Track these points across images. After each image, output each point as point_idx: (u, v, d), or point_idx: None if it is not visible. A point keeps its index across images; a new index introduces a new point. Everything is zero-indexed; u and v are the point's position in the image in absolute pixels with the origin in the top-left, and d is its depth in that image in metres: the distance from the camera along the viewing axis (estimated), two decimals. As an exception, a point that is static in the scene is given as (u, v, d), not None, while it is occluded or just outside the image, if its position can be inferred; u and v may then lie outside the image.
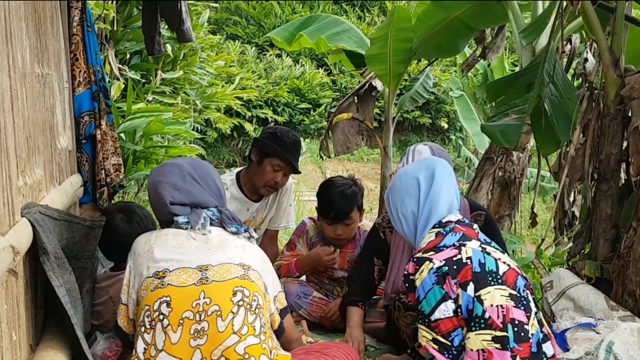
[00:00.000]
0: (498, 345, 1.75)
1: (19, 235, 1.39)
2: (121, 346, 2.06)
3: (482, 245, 1.90)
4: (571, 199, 3.66)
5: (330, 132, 5.87)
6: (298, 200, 8.79)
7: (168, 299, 1.68)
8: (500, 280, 1.81)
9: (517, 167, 4.93)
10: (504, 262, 1.87)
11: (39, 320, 1.73)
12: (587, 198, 3.20)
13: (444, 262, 1.83)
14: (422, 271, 1.84)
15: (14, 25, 1.50)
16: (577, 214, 3.83)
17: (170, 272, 1.72)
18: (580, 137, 3.12)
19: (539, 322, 1.87)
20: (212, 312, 1.67)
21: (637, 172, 2.82)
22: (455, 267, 1.82)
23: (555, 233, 3.74)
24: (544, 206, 10.15)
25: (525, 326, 1.78)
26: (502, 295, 1.79)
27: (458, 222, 1.98)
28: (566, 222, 3.69)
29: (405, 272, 1.91)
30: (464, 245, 1.88)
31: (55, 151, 2.13)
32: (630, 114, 2.89)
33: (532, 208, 4.44)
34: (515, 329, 1.76)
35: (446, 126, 14.72)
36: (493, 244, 1.99)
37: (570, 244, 3.69)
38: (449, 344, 1.79)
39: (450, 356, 1.79)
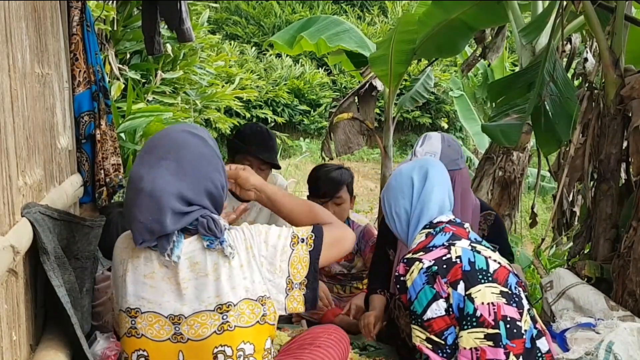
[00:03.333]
0: (490, 343, 1.75)
1: (19, 235, 1.39)
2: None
3: (472, 244, 1.91)
4: (570, 198, 3.66)
5: (331, 132, 5.87)
6: (298, 200, 8.78)
7: (145, 353, 1.58)
8: (490, 278, 1.82)
9: (517, 167, 4.92)
10: (495, 260, 1.89)
11: (39, 320, 1.73)
12: (587, 198, 3.20)
13: (433, 261, 1.84)
14: (412, 272, 1.85)
15: (14, 25, 1.50)
16: (578, 213, 3.83)
17: (142, 313, 1.57)
18: (580, 137, 3.12)
19: (532, 318, 1.88)
20: None
21: (637, 172, 2.83)
22: (444, 266, 1.83)
23: (553, 233, 3.75)
24: (544, 206, 10.15)
25: (518, 323, 1.79)
26: (492, 293, 1.80)
27: (449, 222, 1.99)
28: (564, 221, 3.70)
29: (397, 274, 1.92)
30: (454, 244, 1.89)
31: (55, 151, 2.12)
32: (630, 114, 2.89)
33: (532, 208, 4.44)
34: (508, 326, 1.77)
35: (446, 126, 14.71)
36: (484, 242, 2.00)
37: (570, 244, 3.69)
38: (443, 342, 1.80)
39: (445, 355, 1.80)
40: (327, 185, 2.91)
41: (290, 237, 1.65)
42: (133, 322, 1.59)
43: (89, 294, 2.19)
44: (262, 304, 1.60)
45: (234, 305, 1.56)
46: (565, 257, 3.83)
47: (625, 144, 2.99)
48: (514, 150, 4.83)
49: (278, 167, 3.05)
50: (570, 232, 3.77)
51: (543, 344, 1.85)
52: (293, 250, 1.64)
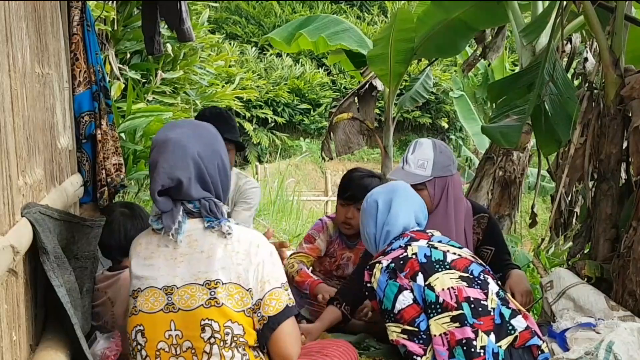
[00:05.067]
0: (457, 324, 1.84)
1: (19, 235, 1.39)
2: (121, 346, 2.05)
3: (430, 243, 2.02)
4: (569, 198, 3.66)
5: (331, 132, 5.88)
6: (298, 200, 8.80)
7: (142, 328, 1.64)
8: (448, 267, 1.93)
9: (517, 167, 4.93)
10: (454, 253, 2.00)
11: (39, 320, 1.73)
12: (587, 198, 3.20)
13: (390, 260, 1.98)
14: (375, 274, 2.00)
15: (14, 25, 1.50)
16: (578, 213, 3.83)
17: (141, 291, 1.65)
18: (580, 137, 3.12)
19: (503, 299, 1.94)
20: (187, 349, 1.62)
21: (637, 172, 2.83)
22: (401, 262, 1.95)
23: (551, 233, 3.75)
24: (544, 206, 10.16)
25: (483, 302, 1.88)
26: (451, 279, 1.90)
27: (412, 231, 2.13)
28: (562, 221, 3.70)
29: (364, 283, 2.05)
30: (410, 244, 2.02)
31: (55, 151, 2.13)
32: (630, 114, 2.89)
33: (532, 208, 4.45)
34: (472, 306, 1.85)
35: (446, 126, 14.73)
36: (451, 242, 2.10)
37: (569, 244, 3.69)
38: (417, 329, 1.88)
39: (421, 341, 1.87)
40: (355, 190, 2.86)
41: (283, 282, 1.71)
42: (135, 303, 1.66)
43: (89, 294, 2.19)
44: (251, 297, 1.64)
45: (222, 284, 1.61)
46: (564, 257, 3.83)
47: (625, 144, 2.99)
48: (514, 150, 4.83)
49: (243, 147, 3.11)
50: (570, 233, 3.77)
51: (519, 321, 1.90)
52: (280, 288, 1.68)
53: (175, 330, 1.61)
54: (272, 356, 1.70)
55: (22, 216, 1.49)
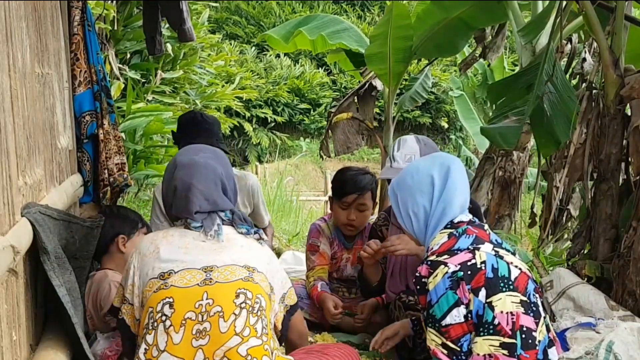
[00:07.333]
0: (505, 352, 1.74)
1: (19, 235, 1.39)
2: (121, 346, 2.05)
3: (495, 249, 1.88)
4: (560, 197, 3.66)
5: (330, 132, 5.88)
6: (297, 200, 8.81)
7: (171, 300, 1.67)
8: (512, 286, 1.80)
9: (517, 167, 4.93)
10: (516, 266, 1.86)
11: (39, 320, 1.73)
12: (587, 198, 3.20)
13: (459, 266, 1.80)
14: (437, 275, 1.81)
15: (14, 24, 1.50)
16: (572, 212, 3.83)
17: (175, 273, 1.70)
18: (580, 137, 3.12)
19: (547, 327, 1.87)
20: (215, 313, 1.66)
21: (637, 172, 2.83)
22: (469, 272, 1.79)
23: (540, 232, 3.75)
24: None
25: (534, 333, 1.78)
26: (512, 302, 1.78)
27: (469, 222, 1.94)
28: (553, 220, 3.70)
29: (418, 275, 1.87)
30: (478, 249, 1.85)
31: (55, 151, 2.13)
32: (630, 114, 2.89)
33: (532, 208, 4.45)
34: (523, 336, 1.76)
35: (446, 126, 14.73)
36: (505, 244, 1.96)
37: (567, 243, 3.70)
38: (458, 349, 1.78)
39: None
40: (352, 189, 2.85)
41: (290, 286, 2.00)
42: (165, 282, 1.70)
43: (88, 294, 2.19)
44: (272, 290, 1.84)
45: (257, 272, 1.79)
46: (564, 257, 3.83)
47: (625, 143, 2.99)
48: (514, 150, 4.84)
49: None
50: (567, 232, 3.77)
51: (553, 353, 1.84)
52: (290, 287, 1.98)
53: (207, 299, 1.68)
54: (292, 337, 1.98)
55: (22, 216, 1.49)
